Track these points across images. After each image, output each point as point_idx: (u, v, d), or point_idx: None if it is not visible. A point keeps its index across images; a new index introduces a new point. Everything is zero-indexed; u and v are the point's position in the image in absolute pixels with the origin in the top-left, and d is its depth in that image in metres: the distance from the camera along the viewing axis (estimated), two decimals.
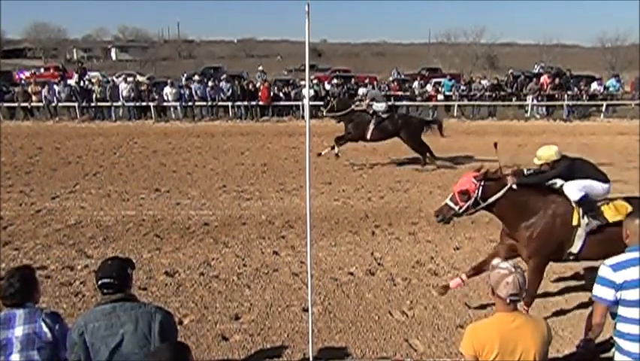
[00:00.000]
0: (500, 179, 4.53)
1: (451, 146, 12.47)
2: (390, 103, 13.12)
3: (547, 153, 4.71)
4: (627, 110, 18.96)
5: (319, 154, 11.51)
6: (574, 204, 4.49)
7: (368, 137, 11.04)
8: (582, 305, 4.94)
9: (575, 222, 4.45)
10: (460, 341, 2.62)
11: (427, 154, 11.11)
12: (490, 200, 4.47)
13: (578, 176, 4.58)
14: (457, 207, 4.49)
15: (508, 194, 4.47)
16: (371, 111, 11.06)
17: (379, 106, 11.12)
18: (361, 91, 14.16)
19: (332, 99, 12.16)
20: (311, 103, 10.99)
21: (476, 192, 4.42)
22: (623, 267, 2.73)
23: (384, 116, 11.04)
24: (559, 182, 4.62)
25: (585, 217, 4.44)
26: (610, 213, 4.44)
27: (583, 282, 5.51)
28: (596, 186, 4.56)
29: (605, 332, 2.90)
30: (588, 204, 4.47)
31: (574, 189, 4.50)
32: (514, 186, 4.47)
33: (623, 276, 2.70)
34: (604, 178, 4.63)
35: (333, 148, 11.38)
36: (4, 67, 33.58)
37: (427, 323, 4.78)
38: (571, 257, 4.64)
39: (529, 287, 4.71)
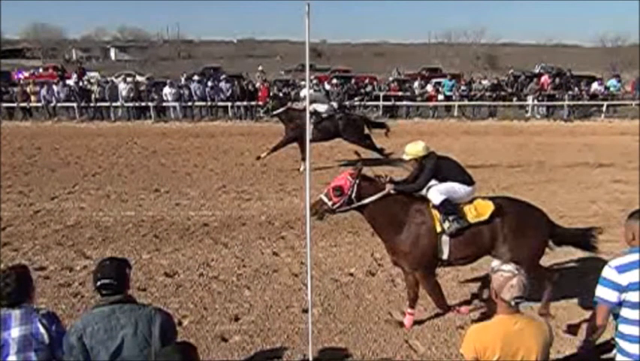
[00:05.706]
0: (375, 181, 4.47)
1: (451, 146, 12.43)
2: (334, 104, 12.47)
3: (415, 149, 4.66)
4: (628, 110, 18.97)
5: (258, 157, 11.14)
6: (434, 210, 4.41)
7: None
8: (583, 306, 4.91)
9: (439, 229, 4.37)
10: (460, 343, 2.60)
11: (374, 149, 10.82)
12: (365, 201, 4.37)
13: (444, 175, 4.52)
14: (330, 203, 4.36)
15: (381, 200, 4.38)
16: (312, 110, 10.95)
17: (320, 107, 10.92)
18: (302, 93, 13.75)
19: (270, 100, 11.93)
20: None
21: (350, 189, 4.33)
22: (629, 268, 2.70)
23: (325, 115, 10.86)
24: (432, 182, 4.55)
25: (446, 222, 4.34)
26: (471, 215, 4.38)
27: (583, 282, 5.48)
28: (459, 189, 4.49)
29: (606, 333, 2.88)
30: (448, 207, 4.36)
31: (436, 194, 4.40)
32: (392, 192, 4.39)
33: (628, 278, 2.68)
34: (468, 180, 4.57)
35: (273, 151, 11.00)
36: (3, 67, 33.48)
37: (428, 324, 4.75)
38: (443, 264, 4.55)
39: (432, 299, 4.67)
